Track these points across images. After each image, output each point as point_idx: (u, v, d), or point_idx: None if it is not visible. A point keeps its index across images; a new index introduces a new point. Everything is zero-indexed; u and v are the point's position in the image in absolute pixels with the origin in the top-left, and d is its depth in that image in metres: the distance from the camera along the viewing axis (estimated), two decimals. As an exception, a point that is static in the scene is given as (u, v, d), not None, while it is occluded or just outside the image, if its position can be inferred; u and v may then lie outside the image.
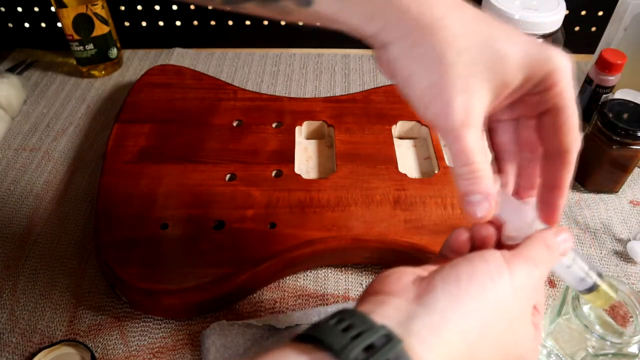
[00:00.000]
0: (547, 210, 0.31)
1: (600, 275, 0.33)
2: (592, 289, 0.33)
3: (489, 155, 0.29)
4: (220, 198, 0.50)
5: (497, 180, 0.30)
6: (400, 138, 0.62)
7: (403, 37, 0.27)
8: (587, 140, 0.57)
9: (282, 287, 0.49)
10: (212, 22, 0.77)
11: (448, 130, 0.27)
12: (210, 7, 0.28)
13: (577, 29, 0.77)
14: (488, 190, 0.28)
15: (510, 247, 0.29)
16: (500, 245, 0.31)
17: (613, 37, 0.67)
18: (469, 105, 0.27)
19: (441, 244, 0.47)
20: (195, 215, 0.49)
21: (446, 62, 0.27)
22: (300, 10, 0.28)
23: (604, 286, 0.33)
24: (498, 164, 0.33)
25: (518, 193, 0.33)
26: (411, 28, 0.27)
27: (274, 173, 0.53)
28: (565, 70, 0.29)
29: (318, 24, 0.29)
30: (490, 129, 0.33)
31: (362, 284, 0.50)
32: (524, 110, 0.31)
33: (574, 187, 0.60)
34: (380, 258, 0.50)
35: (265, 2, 0.28)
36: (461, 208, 0.29)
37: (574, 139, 0.30)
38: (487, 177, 0.28)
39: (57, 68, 0.75)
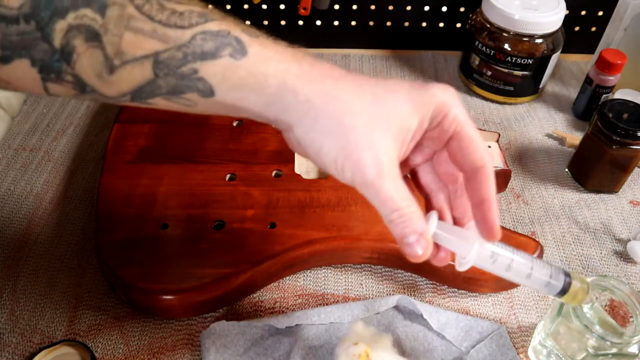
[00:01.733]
0: (485, 226, 0.32)
1: (567, 274, 0.35)
2: (565, 290, 0.34)
3: (412, 199, 0.31)
4: (220, 198, 0.50)
5: (433, 215, 0.33)
6: (400, 138, 0.62)
7: (302, 117, 0.30)
8: (587, 140, 0.57)
9: (282, 287, 0.49)
10: (212, 22, 0.77)
11: (367, 185, 0.30)
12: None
13: (577, 29, 0.77)
14: (421, 229, 0.30)
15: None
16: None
17: (613, 37, 0.67)
18: (379, 158, 0.29)
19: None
20: (195, 215, 0.49)
21: (347, 126, 0.29)
22: (204, 101, 0.30)
23: (575, 283, 0.35)
24: (431, 202, 0.36)
25: (457, 224, 0.36)
26: (307, 108, 0.30)
27: (274, 173, 0.53)
28: (449, 100, 0.32)
29: (224, 113, 0.32)
30: (413, 174, 0.36)
31: (362, 284, 0.50)
32: (433, 146, 0.34)
33: (574, 187, 0.60)
34: (380, 258, 0.50)
35: (171, 96, 0.30)
36: (402, 253, 0.31)
37: (483, 154, 0.32)
38: (416, 217, 0.30)
39: (57, 68, 0.75)
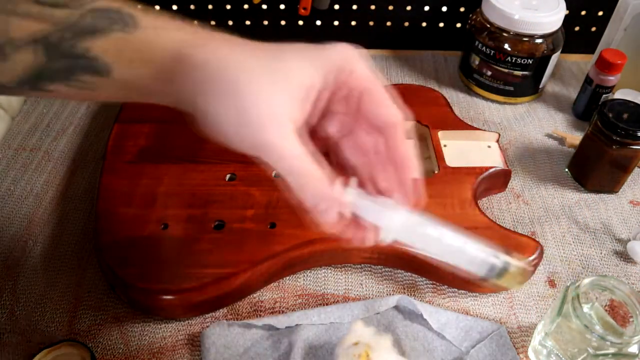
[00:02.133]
0: (405, 190, 0.31)
1: (505, 254, 0.32)
2: (505, 270, 0.31)
3: (322, 162, 0.29)
4: (220, 198, 0.50)
5: (351, 183, 0.31)
6: (400, 138, 0.62)
7: (200, 85, 0.28)
8: (587, 140, 0.57)
9: (282, 287, 0.49)
10: (212, 22, 0.77)
11: (268, 146, 0.28)
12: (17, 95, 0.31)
13: (577, 29, 0.77)
14: (331, 194, 0.29)
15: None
16: None
17: (613, 37, 0.67)
18: (280, 118, 0.28)
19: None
20: (195, 215, 0.49)
21: (242, 85, 0.28)
22: (103, 81, 0.29)
23: (515, 263, 0.32)
24: (355, 176, 0.34)
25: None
26: (203, 74, 0.28)
27: (274, 173, 0.53)
28: (353, 56, 0.30)
29: (127, 97, 0.31)
30: (336, 150, 0.34)
31: (362, 284, 0.50)
32: (345, 109, 0.32)
33: (574, 187, 0.60)
34: (380, 258, 0.50)
35: (69, 80, 0.29)
36: (316, 224, 0.29)
37: (395, 110, 0.31)
38: (324, 182, 0.29)
39: (57, 68, 0.75)
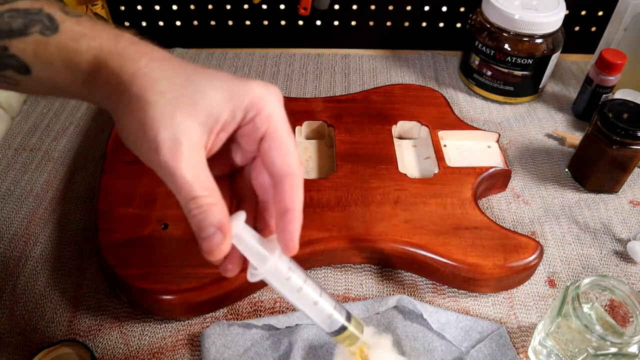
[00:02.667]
0: (284, 237, 0.30)
1: (349, 314, 0.34)
2: (343, 328, 0.33)
3: (215, 190, 0.28)
4: (220, 198, 0.50)
5: (241, 215, 0.30)
6: (400, 138, 0.62)
7: (111, 94, 0.29)
8: (587, 140, 0.57)
9: (282, 287, 0.49)
10: (212, 22, 0.77)
11: (162, 167, 0.28)
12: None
13: (577, 29, 0.77)
14: (220, 222, 0.28)
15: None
16: None
17: (613, 37, 0.68)
18: (177, 138, 0.27)
19: (441, 244, 0.47)
20: (195, 215, 0.49)
21: (147, 102, 0.28)
22: (24, 78, 0.30)
23: (352, 325, 0.34)
24: (239, 208, 0.33)
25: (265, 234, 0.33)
26: (116, 84, 0.28)
27: None
28: (267, 96, 0.30)
29: (52, 94, 0.32)
30: (238, 174, 0.34)
31: (362, 284, 0.50)
32: (246, 145, 0.32)
33: (574, 187, 0.60)
34: (380, 258, 0.50)
35: None
36: (201, 250, 0.29)
37: (292, 160, 0.30)
38: (216, 209, 0.28)
39: (57, 68, 0.75)
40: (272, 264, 0.30)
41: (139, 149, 0.28)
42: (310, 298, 0.32)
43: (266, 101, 0.30)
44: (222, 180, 0.30)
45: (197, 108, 0.28)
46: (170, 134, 0.27)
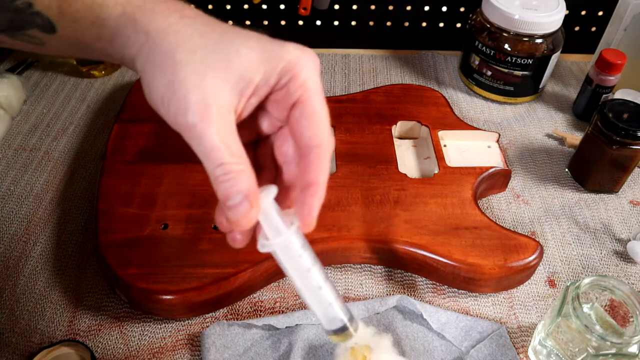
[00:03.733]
0: (302, 211, 0.29)
1: (352, 316, 0.32)
2: (344, 328, 0.32)
3: (244, 157, 0.27)
4: (220, 198, 0.50)
5: (272, 189, 0.29)
6: (400, 138, 0.62)
7: (140, 50, 0.27)
8: (587, 140, 0.57)
9: (282, 287, 0.49)
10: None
11: (189, 129, 0.26)
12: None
13: (577, 29, 0.77)
14: (248, 190, 0.27)
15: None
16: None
17: (613, 37, 0.67)
18: (206, 101, 0.26)
19: (441, 244, 0.47)
20: (195, 215, 0.49)
21: (177, 61, 0.26)
22: (49, 37, 0.29)
23: (354, 329, 0.32)
24: (262, 178, 0.32)
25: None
26: (144, 39, 0.27)
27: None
28: (304, 61, 0.28)
29: (78, 54, 0.31)
30: (263, 143, 0.33)
31: (362, 284, 0.50)
32: (276, 112, 0.30)
33: (574, 187, 0.60)
34: (380, 258, 0.50)
35: (14, 32, 0.29)
36: (226, 219, 0.27)
37: (323, 132, 0.29)
38: (245, 176, 0.27)
39: (57, 68, 0.75)
40: (285, 237, 0.29)
41: (165, 109, 0.27)
42: (316, 282, 0.31)
43: (303, 66, 0.28)
44: (246, 147, 0.29)
45: (229, 69, 0.27)
46: (200, 95, 0.26)
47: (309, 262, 0.31)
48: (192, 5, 0.29)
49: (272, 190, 0.29)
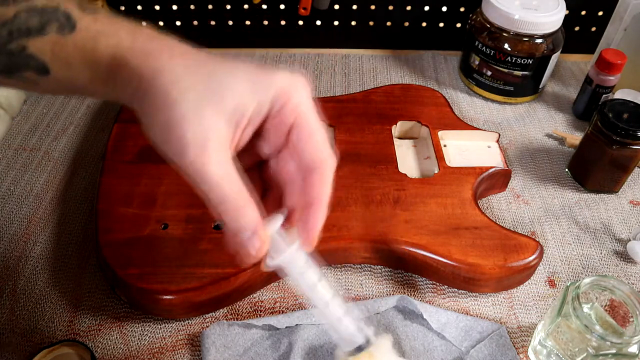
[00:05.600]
0: (304, 229, 0.29)
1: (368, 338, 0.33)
2: (361, 348, 0.32)
3: (244, 188, 0.28)
4: (220, 198, 0.50)
5: (280, 216, 0.30)
6: (400, 138, 0.62)
7: (135, 93, 0.28)
8: (587, 140, 0.57)
9: (282, 287, 0.49)
10: (212, 22, 0.77)
11: (189, 166, 0.27)
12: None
13: (577, 29, 0.77)
14: (254, 224, 0.28)
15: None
16: None
17: (613, 37, 0.67)
18: (204, 135, 0.27)
19: (441, 244, 0.47)
20: (195, 215, 0.49)
21: (172, 100, 0.27)
22: (43, 79, 0.29)
23: (371, 348, 0.32)
24: (268, 198, 0.33)
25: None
26: (138, 82, 0.28)
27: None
28: (293, 85, 0.29)
29: (72, 93, 0.31)
30: (264, 166, 0.33)
31: (362, 284, 0.50)
32: (274, 138, 0.31)
33: (574, 187, 0.60)
34: (380, 258, 0.50)
35: (9, 74, 0.29)
36: (234, 254, 0.28)
37: (322, 151, 0.29)
38: (248, 211, 0.28)
39: (57, 68, 0.75)
40: (291, 251, 0.30)
41: (165, 148, 0.28)
42: (324, 297, 0.31)
43: (293, 91, 0.29)
44: (251, 171, 0.29)
45: (222, 103, 0.27)
46: (197, 132, 0.26)
47: (313, 279, 0.31)
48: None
49: (279, 220, 0.30)
